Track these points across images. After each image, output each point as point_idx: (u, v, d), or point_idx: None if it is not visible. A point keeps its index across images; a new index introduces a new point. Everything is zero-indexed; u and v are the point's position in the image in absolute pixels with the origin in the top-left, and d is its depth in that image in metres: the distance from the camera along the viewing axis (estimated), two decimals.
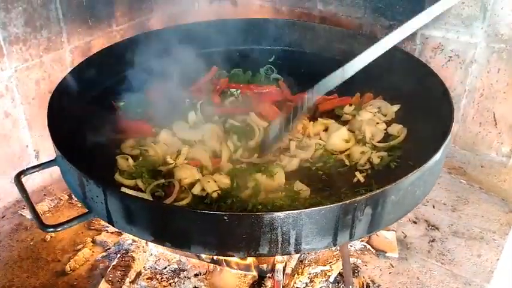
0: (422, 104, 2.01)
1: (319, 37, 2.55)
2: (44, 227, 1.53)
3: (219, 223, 1.36)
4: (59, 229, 1.52)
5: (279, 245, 1.40)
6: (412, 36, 2.68)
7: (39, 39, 2.34)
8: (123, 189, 1.67)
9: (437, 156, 1.57)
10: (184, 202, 1.66)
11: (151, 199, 1.68)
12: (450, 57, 2.63)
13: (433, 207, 2.47)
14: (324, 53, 2.52)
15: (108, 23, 2.66)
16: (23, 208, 2.47)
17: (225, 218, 1.35)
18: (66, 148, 1.68)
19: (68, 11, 2.42)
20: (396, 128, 2.01)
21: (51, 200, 2.51)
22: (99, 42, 2.62)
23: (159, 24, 2.93)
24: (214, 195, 1.63)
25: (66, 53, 2.48)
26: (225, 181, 1.73)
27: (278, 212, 1.34)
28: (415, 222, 2.37)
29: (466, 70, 2.62)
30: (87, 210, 1.58)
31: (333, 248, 2.09)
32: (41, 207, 2.46)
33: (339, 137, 1.94)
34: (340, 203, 1.37)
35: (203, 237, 1.41)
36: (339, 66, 2.34)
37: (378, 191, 1.41)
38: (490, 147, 2.73)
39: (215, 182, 1.69)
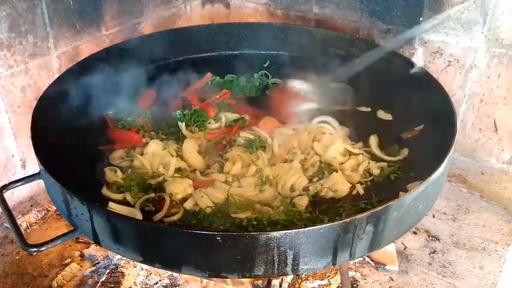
0: (423, 112, 1.94)
1: (315, 41, 2.48)
2: (26, 246, 1.44)
3: (211, 243, 1.29)
4: (43, 249, 1.45)
5: (276, 266, 1.33)
6: (411, 41, 2.61)
7: (25, 44, 2.24)
8: (111, 205, 1.59)
9: (441, 168, 1.50)
10: (175, 218, 1.58)
11: (140, 214, 1.60)
12: (449, 61, 2.57)
13: (433, 216, 2.39)
14: (320, 58, 2.44)
15: (97, 27, 2.56)
16: None
17: (218, 238, 1.27)
18: (51, 161, 1.60)
19: (55, 15, 2.33)
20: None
21: (38, 212, 2.42)
22: (87, 47, 2.52)
23: (150, 28, 2.85)
24: (208, 210, 1.55)
25: (53, 59, 2.39)
26: (218, 195, 1.64)
27: (274, 231, 1.27)
28: (415, 233, 2.30)
29: (465, 75, 2.56)
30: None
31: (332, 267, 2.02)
32: (28, 219, 2.37)
33: (336, 150, 1.85)
34: (341, 221, 1.30)
35: (195, 257, 1.34)
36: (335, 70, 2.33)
37: (380, 207, 1.34)
38: (490, 154, 2.67)
39: (208, 196, 1.61)
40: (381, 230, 1.38)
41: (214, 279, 1.97)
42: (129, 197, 1.66)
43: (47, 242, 1.44)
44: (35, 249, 1.44)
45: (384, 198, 1.57)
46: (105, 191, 1.69)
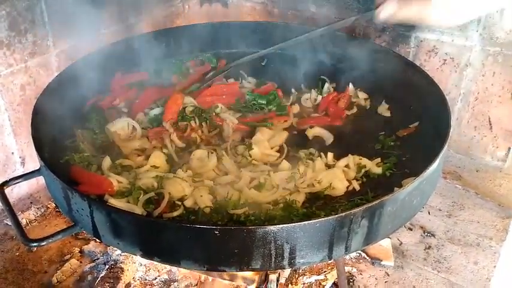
0: (418, 110, 1.97)
1: (311, 40, 2.49)
2: (27, 241, 1.46)
3: (209, 237, 1.31)
4: (43, 243, 1.46)
5: (273, 260, 1.35)
6: (407, 39, 2.64)
7: (24, 43, 2.27)
8: (110, 200, 1.60)
9: (435, 165, 1.52)
10: (175, 213, 1.60)
11: (140, 209, 1.61)
12: (445, 60, 2.60)
13: (429, 213, 2.43)
14: (317, 57, 2.46)
15: (96, 26, 2.58)
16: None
17: (216, 232, 1.29)
18: (51, 158, 1.62)
19: (54, 14, 2.35)
20: None
21: (37, 209, 2.44)
22: (86, 45, 2.54)
23: (148, 27, 2.87)
24: (207, 210, 1.57)
25: (52, 57, 2.41)
26: (221, 191, 1.66)
27: (271, 225, 1.30)
28: (410, 229, 2.33)
29: (460, 73, 2.59)
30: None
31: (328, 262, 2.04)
32: (27, 216, 2.39)
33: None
34: (336, 216, 1.33)
35: (193, 251, 1.36)
36: (332, 69, 2.35)
37: (374, 202, 1.36)
38: (485, 151, 2.70)
39: (208, 194, 1.63)
40: (375, 224, 1.41)
41: (212, 273, 2.00)
42: (131, 200, 1.66)
43: (47, 237, 1.46)
44: (35, 244, 1.46)
45: (379, 194, 1.59)
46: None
